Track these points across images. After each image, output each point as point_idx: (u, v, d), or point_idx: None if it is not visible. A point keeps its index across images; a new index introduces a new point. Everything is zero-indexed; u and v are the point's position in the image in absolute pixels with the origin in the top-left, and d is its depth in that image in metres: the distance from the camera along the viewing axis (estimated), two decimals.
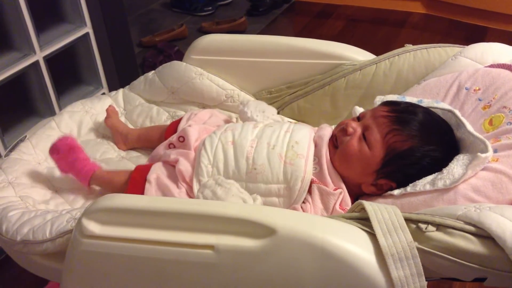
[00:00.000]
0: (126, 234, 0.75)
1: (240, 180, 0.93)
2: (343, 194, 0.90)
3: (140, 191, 0.96)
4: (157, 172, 0.99)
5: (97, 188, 1.07)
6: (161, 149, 1.07)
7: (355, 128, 0.93)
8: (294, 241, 0.67)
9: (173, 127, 1.13)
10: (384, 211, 0.70)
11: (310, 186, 0.91)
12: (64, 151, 1.04)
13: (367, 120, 0.93)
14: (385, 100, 0.99)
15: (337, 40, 1.21)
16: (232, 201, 0.86)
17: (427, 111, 0.93)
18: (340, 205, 0.89)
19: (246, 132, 0.98)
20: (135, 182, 0.99)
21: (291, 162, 0.92)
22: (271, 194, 0.92)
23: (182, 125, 1.12)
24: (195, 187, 0.94)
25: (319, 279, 0.67)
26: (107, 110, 1.23)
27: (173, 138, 1.06)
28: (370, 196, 0.92)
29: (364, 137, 0.91)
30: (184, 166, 0.97)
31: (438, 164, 0.86)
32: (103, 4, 1.77)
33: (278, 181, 0.92)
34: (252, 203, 0.88)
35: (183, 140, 1.03)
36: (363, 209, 0.72)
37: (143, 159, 1.17)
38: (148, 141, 1.18)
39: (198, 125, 1.08)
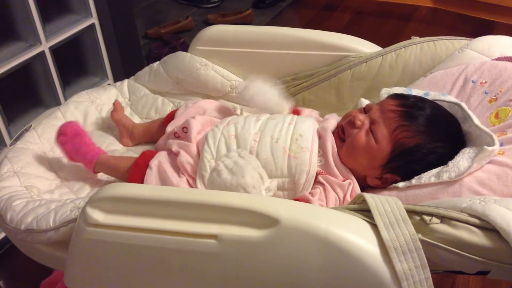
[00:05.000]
0: (130, 223, 0.75)
1: None
2: (353, 184, 0.90)
3: (142, 175, 0.97)
4: (160, 159, 0.99)
5: (103, 176, 1.08)
6: (163, 140, 1.08)
7: (363, 121, 0.93)
8: (298, 232, 0.67)
9: (172, 115, 1.14)
10: (385, 204, 0.70)
11: (317, 178, 0.91)
12: (70, 135, 1.05)
13: (375, 114, 0.92)
14: (391, 92, 0.99)
15: (344, 33, 1.20)
16: (251, 175, 0.86)
17: (435, 106, 0.92)
18: (351, 195, 0.89)
19: (249, 126, 0.97)
20: (138, 167, 0.99)
21: (295, 156, 0.91)
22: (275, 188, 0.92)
23: (179, 112, 1.12)
24: (199, 183, 0.93)
25: (322, 269, 0.67)
26: (114, 104, 1.22)
27: (178, 127, 1.06)
28: (375, 188, 0.92)
29: (371, 131, 0.91)
30: (185, 158, 0.97)
31: (444, 159, 0.86)
32: None
33: (282, 175, 0.92)
34: (268, 181, 0.88)
35: (186, 131, 1.03)
36: (364, 200, 0.72)
37: None
38: (153, 134, 1.18)
39: (202, 116, 1.08)
